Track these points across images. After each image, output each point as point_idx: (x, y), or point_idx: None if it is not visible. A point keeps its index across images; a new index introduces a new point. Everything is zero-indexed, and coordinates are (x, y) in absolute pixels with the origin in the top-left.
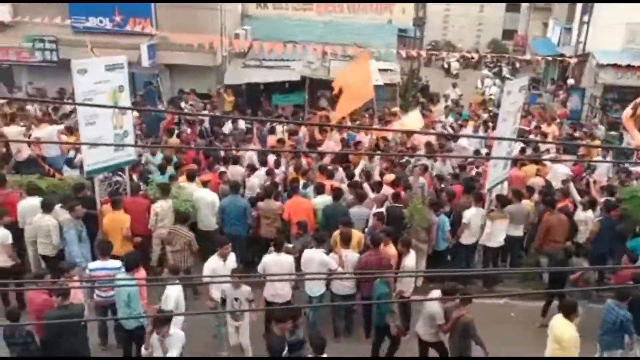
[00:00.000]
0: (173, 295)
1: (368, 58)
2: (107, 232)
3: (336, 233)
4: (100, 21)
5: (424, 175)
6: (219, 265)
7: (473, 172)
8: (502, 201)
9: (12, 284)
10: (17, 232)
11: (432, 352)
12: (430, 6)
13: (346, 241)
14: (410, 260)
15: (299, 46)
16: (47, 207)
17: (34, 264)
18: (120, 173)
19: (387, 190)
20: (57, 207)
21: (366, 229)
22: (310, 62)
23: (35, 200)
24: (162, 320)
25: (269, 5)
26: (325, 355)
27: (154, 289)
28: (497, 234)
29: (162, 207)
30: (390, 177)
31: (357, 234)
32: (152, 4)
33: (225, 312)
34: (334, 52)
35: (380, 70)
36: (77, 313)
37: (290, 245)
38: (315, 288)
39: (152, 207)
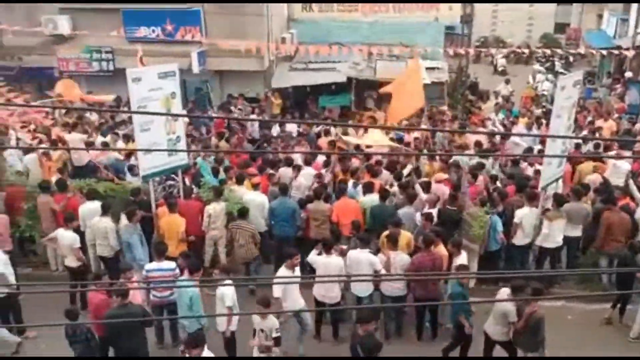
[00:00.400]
0: (229, 292)
1: (419, 65)
2: (162, 234)
3: (384, 234)
4: (153, 30)
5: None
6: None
7: (529, 170)
8: (559, 200)
9: (71, 284)
10: (80, 235)
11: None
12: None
13: (393, 242)
14: (462, 261)
15: (345, 47)
16: (105, 210)
17: (94, 265)
18: (173, 177)
19: (438, 189)
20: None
21: (415, 230)
22: (356, 63)
23: (95, 204)
24: (195, 342)
25: (314, 7)
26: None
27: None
28: (554, 234)
29: (214, 209)
30: (441, 175)
31: (406, 235)
32: (202, 13)
33: (269, 313)
34: (380, 52)
35: (427, 68)
36: (135, 313)
37: (344, 247)
38: (362, 288)
39: (205, 209)
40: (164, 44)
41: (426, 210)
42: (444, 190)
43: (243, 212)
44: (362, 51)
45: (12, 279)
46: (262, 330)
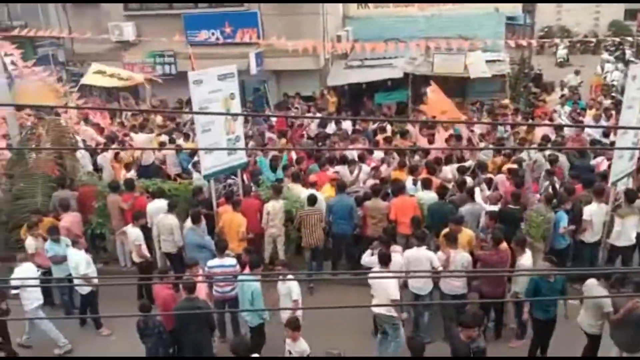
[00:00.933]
0: (294, 287)
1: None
2: (223, 231)
3: (443, 232)
4: (212, 33)
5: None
6: None
7: (605, 165)
8: (631, 196)
9: (137, 279)
10: (147, 232)
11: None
12: None
13: (453, 240)
14: (527, 260)
15: (401, 43)
16: (171, 208)
17: (160, 261)
18: (232, 176)
19: (502, 183)
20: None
21: (478, 228)
22: (413, 58)
23: (161, 202)
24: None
25: (370, 4)
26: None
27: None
28: (627, 232)
29: (273, 207)
30: (509, 167)
31: (467, 233)
32: (259, 14)
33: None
34: (437, 46)
35: (487, 61)
36: (202, 307)
37: (398, 248)
38: (421, 286)
39: (264, 207)
40: (223, 46)
41: (489, 207)
42: (508, 184)
43: (313, 200)
44: (419, 46)
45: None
46: (290, 352)
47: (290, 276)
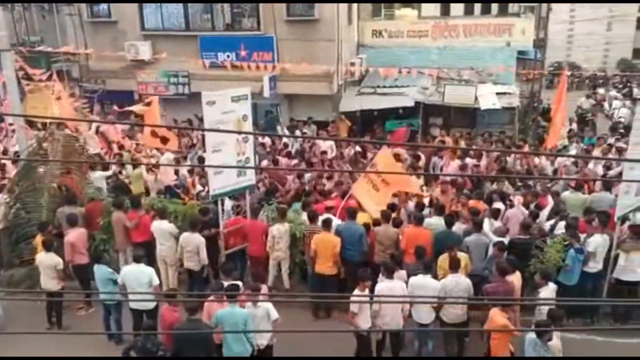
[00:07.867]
0: (272, 309)
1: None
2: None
3: (442, 256)
4: (228, 56)
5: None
6: None
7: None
8: (636, 231)
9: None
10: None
11: None
12: (553, 26)
13: (455, 267)
14: (551, 293)
15: (414, 71)
16: (194, 227)
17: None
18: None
19: (512, 215)
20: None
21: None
22: (424, 87)
23: (162, 223)
24: None
25: (384, 33)
26: None
27: None
28: (633, 266)
29: (278, 230)
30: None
31: (463, 257)
32: (274, 39)
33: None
34: (449, 77)
35: (498, 93)
36: (202, 329)
37: (402, 273)
38: (424, 315)
39: (269, 230)
40: (237, 69)
41: (495, 238)
42: (519, 216)
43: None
44: (431, 76)
45: None
46: None
47: (265, 298)
